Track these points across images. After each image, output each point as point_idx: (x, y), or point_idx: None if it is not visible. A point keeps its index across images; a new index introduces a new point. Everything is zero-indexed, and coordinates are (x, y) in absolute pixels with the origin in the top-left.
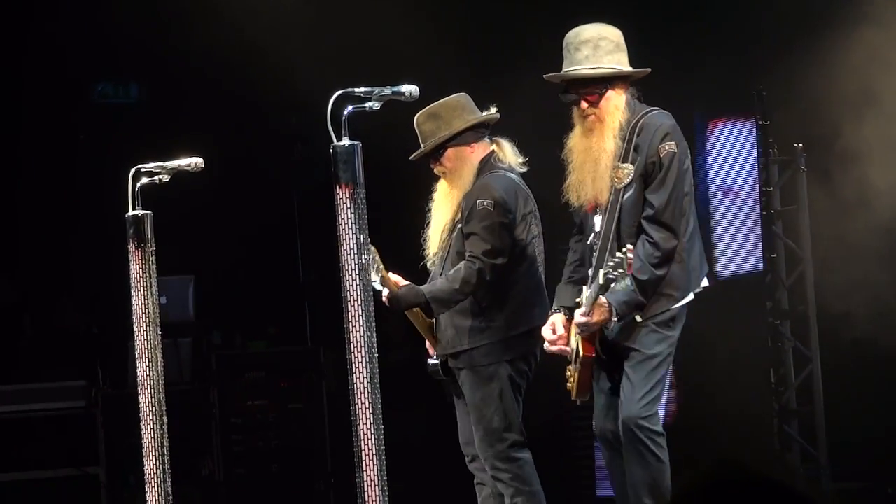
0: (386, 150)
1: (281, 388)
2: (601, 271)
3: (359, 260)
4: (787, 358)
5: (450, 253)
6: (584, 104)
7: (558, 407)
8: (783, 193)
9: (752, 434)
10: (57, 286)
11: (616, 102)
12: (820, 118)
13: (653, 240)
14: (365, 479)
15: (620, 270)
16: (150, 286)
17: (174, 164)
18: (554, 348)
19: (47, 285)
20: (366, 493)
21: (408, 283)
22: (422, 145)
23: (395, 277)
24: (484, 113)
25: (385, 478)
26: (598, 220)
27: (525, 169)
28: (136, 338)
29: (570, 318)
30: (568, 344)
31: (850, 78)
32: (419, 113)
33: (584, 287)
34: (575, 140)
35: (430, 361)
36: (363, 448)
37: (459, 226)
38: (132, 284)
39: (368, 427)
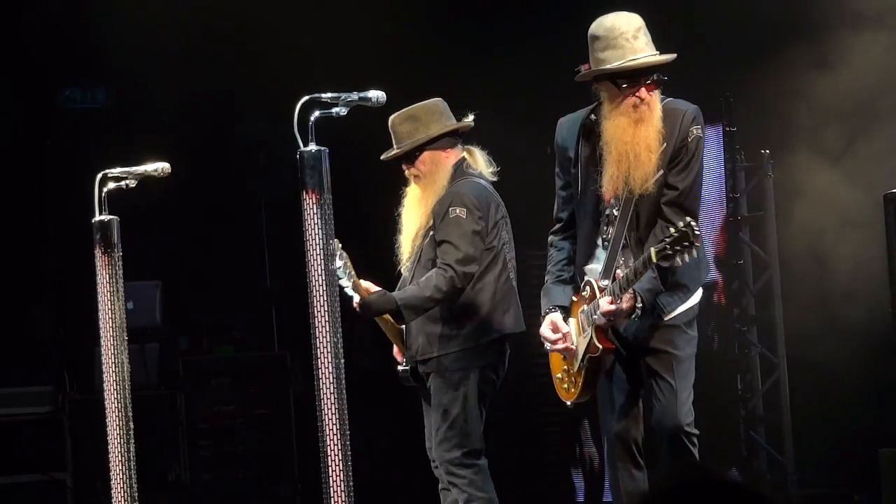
0: (355, 155)
1: (248, 393)
2: (652, 248)
3: (326, 265)
4: (754, 364)
5: (421, 259)
6: (643, 92)
7: (529, 414)
8: (750, 200)
9: (718, 440)
10: (24, 291)
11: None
12: (786, 125)
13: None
14: (331, 484)
15: (685, 244)
16: (117, 291)
17: (141, 169)
18: (559, 346)
19: (14, 290)
20: (332, 499)
21: (379, 289)
22: (395, 146)
23: (366, 284)
24: (462, 119)
25: (352, 483)
26: (613, 213)
27: (496, 178)
28: (102, 343)
29: (566, 316)
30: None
31: (818, 84)
32: (395, 114)
33: (590, 278)
34: (618, 131)
35: (400, 368)
36: (329, 454)
37: (432, 233)
38: (99, 290)
39: (335, 432)
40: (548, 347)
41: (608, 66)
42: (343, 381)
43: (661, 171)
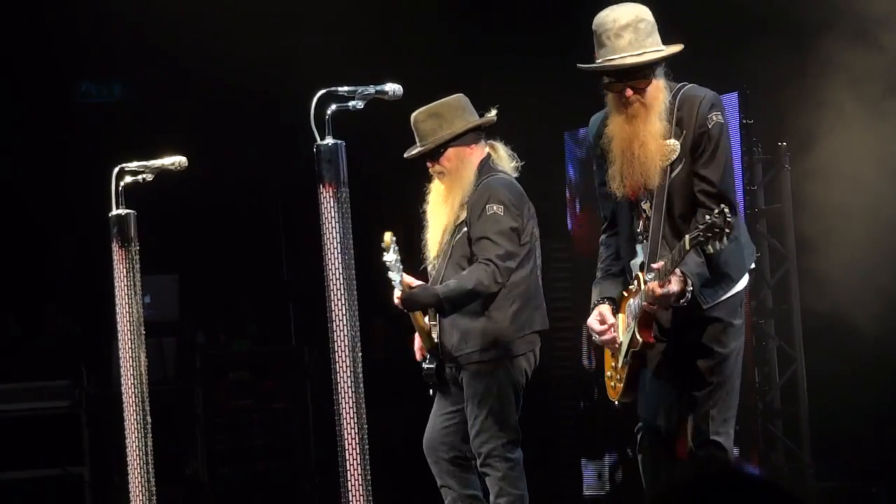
0: (373, 148)
1: (265, 387)
2: (687, 236)
3: (343, 259)
4: (772, 357)
5: (451, 256)
6: (629, 92)
7: (546, 407)
8: (767, 192)
9: (736, 433)
10: (41, 286)
11: (660, 85)
12: (804, 117)
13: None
14: (349, 478)
15: (717, 230)
16: (134, 286)
17: (158, 163)
18: (606, 337)
19: (31, 285)
20: (350, 493)
21: (420, 282)
22: (418, 143)
23: (407, 278)
24: (485, 115)
25: (369, 477)
26: (645, 206)
27: (518, 173)
28: (119, 337)
29: (615, 309)
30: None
31: (835, 78)
32: (418, 111)
33: (637, 272)
34: (615, 128)
35: (425, 366)
36: (347, 447)
37: (465, 229)
38: (116, 284)
39: (352, 426)
40: (595, 339)
41: (587, 66)
42: (360, 375)
43: (683, 161)
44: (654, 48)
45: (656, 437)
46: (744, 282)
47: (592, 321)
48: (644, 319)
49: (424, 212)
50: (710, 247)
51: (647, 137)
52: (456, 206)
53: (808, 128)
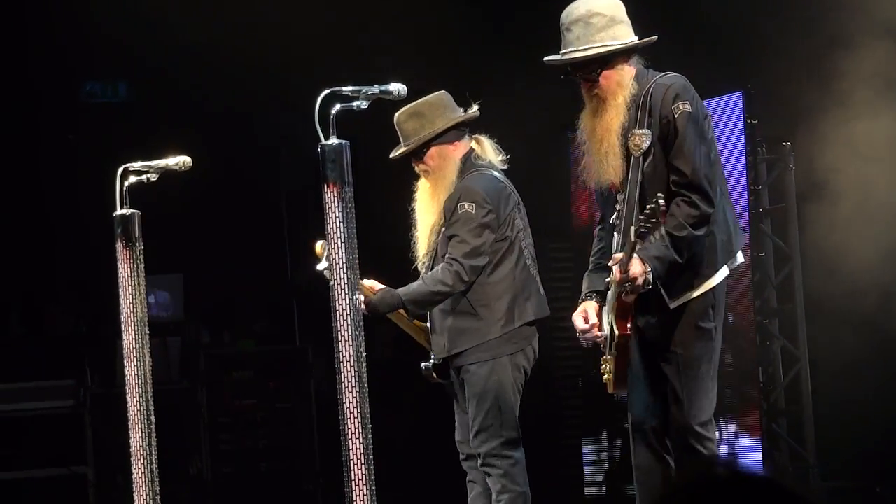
0: (377, 148)
1: (269, 387)
2: (632, 228)
3: (348, 258)
4: (776, 357)
5: (437, 255)
6: (585, 85)
7: (547, 403)
8: (771, 192)
9: (740, 432)
10: (45, 285)
11: (618, 79)
12: (808, 116)
13: (689, 199)
14: (353, 478)
15: (654, 220)
16: (139, 285)
17: (162, 163)
18: (588, 336)
19: (35, 284)
20: (354, 493)
21: (382, 286)
22: (402, 143)
23: (369, 282)
24: (467, 111)
25: (373, 477)
26: (620, 198)
27: (506, 166)
28: (123, 337)
29: (601, 303)
30: (601, 330)
31: (840, 77)
32: (399, 111)
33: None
34: (585, 121)
35: (423, 364)
36: (351, 447)
37: (443, 229)
38: (120, 284)
39: (356, 426)
40: (578, 337)
41: (547, 59)
42: (365, 375)
43: (653, 150)
44: (604, 42)
45: (645, 436)
46: (717, 278)
47: (576, 318)
48: (620, 311)
49: (413, 210)
50: (652, 236)
51: (605, 133)
52: (440, 205)
53: (813, 127)
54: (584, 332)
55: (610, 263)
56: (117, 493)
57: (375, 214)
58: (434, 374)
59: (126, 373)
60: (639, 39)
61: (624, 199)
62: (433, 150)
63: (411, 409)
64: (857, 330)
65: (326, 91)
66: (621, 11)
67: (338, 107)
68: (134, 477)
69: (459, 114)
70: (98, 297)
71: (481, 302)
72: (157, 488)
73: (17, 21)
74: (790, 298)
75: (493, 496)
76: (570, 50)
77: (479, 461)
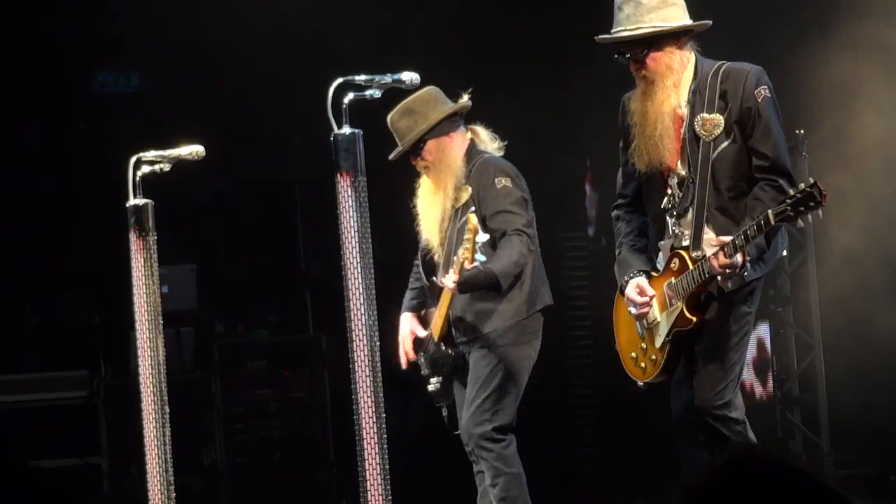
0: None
1: (283, 376)
2: (770, 211)
3: (361, 248)
4: (790, 345)
5: (458, 240)
6: (633, 65)
7: (559, 390)
8: None
9: (754, 421)
10: (58, 276)
11: (667, 61)
12: (822, 104)
13: (776, 183)
14: (367, 467)
15: (811, 203)
16: (152, 275)
17: (175, 152)
18: (645, 310)
19: (49, 275)
20: (368, 482)
21: (476, 263)
22: (399, 143)
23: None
24: (458, 102)
25: (387, 466)
26: (674, 183)
27: (502, 152)
28: (137, 327)
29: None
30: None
31: (854, 65)
32: (392, 112)
33: (679, 250)
34: (635, 103)
35: (430, 388)
36: (365, 436)
37: (472, 208)
38: (133, 274)
39: (370, 415)
40: (632, 312)
41: (597, 38)
42: (378, 364)
43: (731, 136)
44: (653, 24)
45: (688, 431)
46: (771, 266)
47: (631, 292)
48: (694, 299)
49: (415, 206)
50: (799, 221)
51: (658, 117)
52: (450, 192)
53: (827, 115)
54: (641, 305)
55: (713, 243)
56: (131, 484)
57: (389, 203)
58: (439, 398)
59: (140, 363)
60: (692, 23)
61: (687, 184)
62: (430, 145)
63: (425, 397)
64: (871, 318)
65: (339, 80)
66: None
67: (350, 95)
68: (148, 467)
69: (451, 105)
70: (111, 288)
71: (510, 284)
72: (172, 478)
73: (30, 11)
74: (804, 287)
75: (488, 481)
76: (619, 29)
77: (470, 445)
